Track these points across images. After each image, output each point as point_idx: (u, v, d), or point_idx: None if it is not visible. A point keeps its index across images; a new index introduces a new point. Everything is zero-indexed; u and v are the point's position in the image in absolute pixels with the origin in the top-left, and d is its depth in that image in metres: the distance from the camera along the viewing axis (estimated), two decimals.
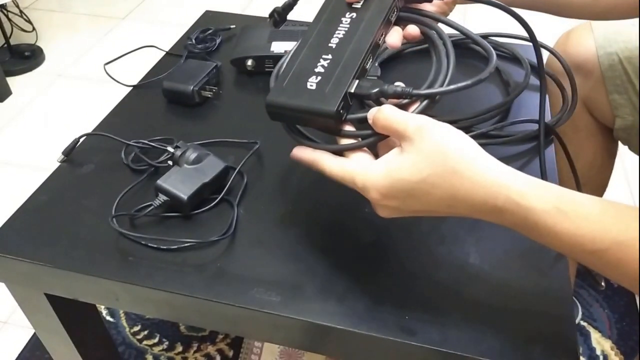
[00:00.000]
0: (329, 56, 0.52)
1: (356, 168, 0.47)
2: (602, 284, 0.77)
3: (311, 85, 0.50)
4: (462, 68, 0.85)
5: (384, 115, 0.46)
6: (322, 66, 0.51)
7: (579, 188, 0.71)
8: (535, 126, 0.71)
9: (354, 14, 0.55)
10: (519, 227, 0.43)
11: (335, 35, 0.54)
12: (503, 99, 0.75)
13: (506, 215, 0.42)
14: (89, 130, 0.72)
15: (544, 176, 0.65)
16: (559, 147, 0.71)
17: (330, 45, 0.53)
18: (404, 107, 0.49)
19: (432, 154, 0.43)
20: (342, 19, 0.55)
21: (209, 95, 0.78)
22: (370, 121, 0.48)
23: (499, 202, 0.42)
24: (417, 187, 0.43)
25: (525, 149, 0.70)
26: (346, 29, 0.54)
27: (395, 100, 0.50)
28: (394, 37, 0.55)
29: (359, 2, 0.55)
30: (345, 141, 0.50)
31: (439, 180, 0.42)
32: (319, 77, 0.51)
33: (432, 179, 0.43)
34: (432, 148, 0.43)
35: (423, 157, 0.43)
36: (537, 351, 0.49)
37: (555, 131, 0.71)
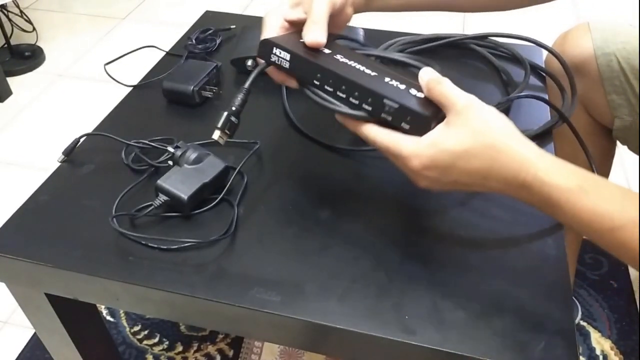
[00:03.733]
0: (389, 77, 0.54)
1: (404, 138, 0.49)
2: None
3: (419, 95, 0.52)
4: (462, 68, 0.85)
5: (443, 86, 0.49)
6: (403, 83, 0.53)
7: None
8: (535, 125, 0.71)
9: (339, 54, 0.57)
10: (542, 204, 0.47)
11: (361, 67, 0.54)
12: (503, 99, 0.75)
13: (532, 190, 0.46)
14: (90, 130, 0.72)
15: None
16: (559, 146, 0.71)
17: (372, 73, 0.54)
18: None
19: (477, 129, 0.47)
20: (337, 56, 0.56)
21: (209, 95, 0.78)
22: (422, 82, 0.51)
23: (528, 178, 0.46)
24: (458, 158, 0.47)
25: None
26: (356, 61, 0.55)
27: None
28: None
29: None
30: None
31: (479, 152, 0.46)
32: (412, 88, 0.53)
33: (473, 150, 0.46)
34: (477, 124, 0.47)
35: (468, 131, 0.47)
36: (536, 351, 0.49)
37: (568, 119, 0.71)
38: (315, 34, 0.55)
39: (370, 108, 0.51)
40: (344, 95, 0.52)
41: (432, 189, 0.51)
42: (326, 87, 0.53)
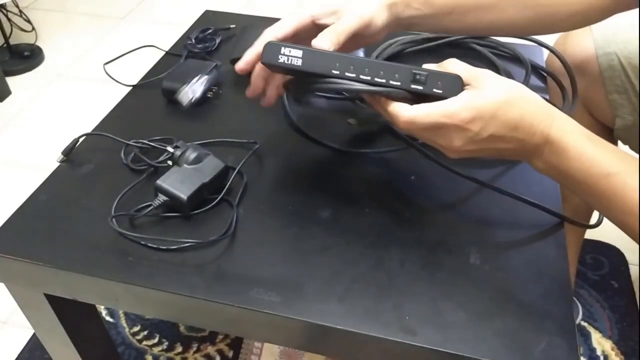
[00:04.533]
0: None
1: (444, 100, 0.51)
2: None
3: None
4: None
5: (456, 63, 0.53)
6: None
7: None
8: None
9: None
10: (553, 153, 0.50)
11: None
12: None
13: (549, 138, 0.50)
14: (89, 130, 0.72)
15: None
16: None
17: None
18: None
19: (508, 85, 0.51)
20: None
21: (209, 95, 0.78)
22: (430, 65, 0.54)
23: (548, 125, 0.50)
24: (499, 107, 0.50)
25: None
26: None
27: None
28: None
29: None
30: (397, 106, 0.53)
31: (515, 101, 0.50)
32: None
33: (511, 100, 0.50)
34: (505, 82, 0.52)
35: (502, 86, 0.51)
36: (537, 351, 0.49)
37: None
38: (326, 43, 0.56)
39: (399, 83, 0.52)
40: (368, 77, 0.52)
41: (464, 152, 0.52)
42: (347, 73, 0.53)
